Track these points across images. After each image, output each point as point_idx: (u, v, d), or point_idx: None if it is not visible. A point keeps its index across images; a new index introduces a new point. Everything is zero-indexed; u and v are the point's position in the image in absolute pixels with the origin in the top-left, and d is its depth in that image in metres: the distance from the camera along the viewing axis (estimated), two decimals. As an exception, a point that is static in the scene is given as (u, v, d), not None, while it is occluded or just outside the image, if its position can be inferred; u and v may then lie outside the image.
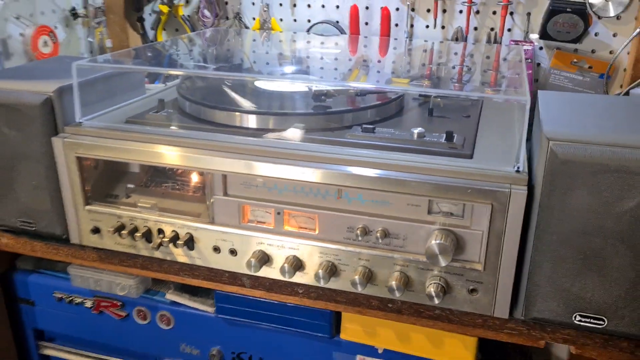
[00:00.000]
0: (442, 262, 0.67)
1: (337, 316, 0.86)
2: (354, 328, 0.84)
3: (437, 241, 0.67)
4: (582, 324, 0.68)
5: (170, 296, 0.93)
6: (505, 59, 1.05)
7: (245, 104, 0.81)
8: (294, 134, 0.77)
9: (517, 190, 0.64)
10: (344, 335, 0.86)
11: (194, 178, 0.84)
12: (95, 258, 0.88)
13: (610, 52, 1.07)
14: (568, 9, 1.03)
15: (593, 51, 1.09)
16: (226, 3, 1.27)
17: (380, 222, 0.72)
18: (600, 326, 0.67)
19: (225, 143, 0.76)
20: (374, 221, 0.72)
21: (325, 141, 0.75)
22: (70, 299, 0.99)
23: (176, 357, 0.98)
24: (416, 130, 0.75)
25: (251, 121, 0.80)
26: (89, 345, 1.04)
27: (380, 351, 0.85)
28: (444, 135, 0.74)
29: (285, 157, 0.73)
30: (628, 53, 1.06)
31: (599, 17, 1.06)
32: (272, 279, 0.79)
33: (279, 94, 0.91)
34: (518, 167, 0.67)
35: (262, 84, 0.94)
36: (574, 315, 0.68)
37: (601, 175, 0.61)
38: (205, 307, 0.92)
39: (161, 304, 0.94)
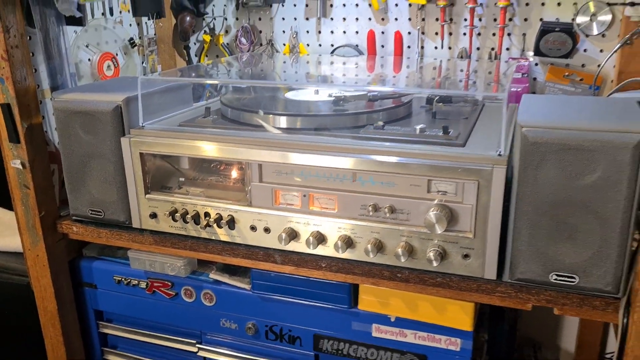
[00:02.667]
0: (438, 230, 0.82)
1: (355, 289, 1.00)
2: (370, 299, 0.98)
3: (434, 212, 0.82)
4: (557, 281, 0.81)
5: (213, 275, 1.09)
6: (504, 74, 1.20)
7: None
8: (318, 130, 0.93)
9: (498, 169, 0.79)
10: (361, 306, 1.00)
11: (234, 172, 1.00)
12: (151, 242, 1.05)
13: (598, 66, 1.21)
14: (557, 29, 1.18)
15: (583, 65, 1.23)
16: (260, 32, 1.46)
17: (388, 200, 0.87)
18: (572, 283, 0.80)
19: (261, 139, 0.92)
20: (383, 199, 0.87)
21: (342, 136, 0.91)
22: (128, 281, 1.15)
23: (217, 332, 1.13)
24: (419, 126, 0.90)
25: (282, 122, 0.97)
26: (142, 324, 1.20)
27: (392, 319, 0.98)
28: (442, 129, 0.89)
29: (309, 149, 0.89)
30: (614, 66, 1.20)
31: (586, 35, 1.20)
32: (299, 252, 0.94)
33: (307, 102, 1.08)
34: (500, 152, 0.81)
35: (292, 94, 1.11)
36: (551, 274, 0.81)
37: (563, 153, 0.75)
38: (243, 285, 1.07)
39: (205, 283, 1.10)
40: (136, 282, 1.15)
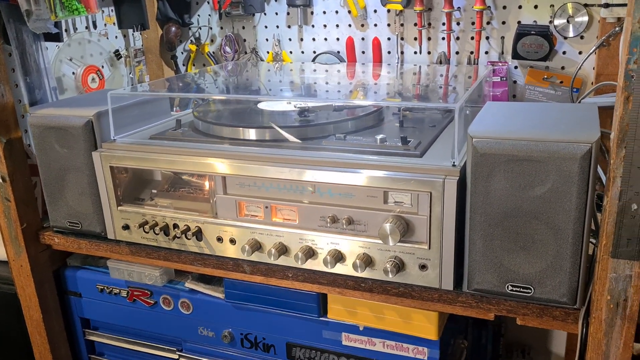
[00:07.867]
0: (391, 242, 0.82)
1: (324, 299, 1.00)
2: (338, 308, 0.99)
3: (388, 224, 0.82)
4: (513, 292, 0.80)
5: (189, 285, 1.11)
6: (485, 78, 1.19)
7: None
8: (280, 142, 0.94)
9: (450, 180, 0.79)
10: (330, 315, 1.00)
11: (200, 184, 1.01)
12: (127, 252, 1.07)
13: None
14: (533, 32, 1.16)
15: (563, 67, 1.22)
16: (244, 40, 1.47)
17: (346, 211, 0.87)
18: (528, 294, 0.79)
19: (225, 151, 0.94)
20: (341, 211, 0.87)
21: (304, 147, 0.91)
22: (110, 290, 1.18)
23: (196, 339, 1.14)
24: (379, 137, 0.90)
25: (249, 134, 0.98)
26: (125, 331, 1.22)
27: (361, 329, 0.99)
28: (400, 140, 0.89)
29: (271, 161, 0.90)
30: (594, 68, 1.18)
31: (565, 38, 1.18)
32: (267, 263, 0.95)
33: (276, 113, 1.09)
34: (454, 162, 0.81)
35: (265, 105, 1.12)
36: (506, 285, 0.80)
37: (512, 164, 0.74)
38: (217, 294, 1.08)
39: (182, 292, 1.11)
40: (117, 290, 1.17)
